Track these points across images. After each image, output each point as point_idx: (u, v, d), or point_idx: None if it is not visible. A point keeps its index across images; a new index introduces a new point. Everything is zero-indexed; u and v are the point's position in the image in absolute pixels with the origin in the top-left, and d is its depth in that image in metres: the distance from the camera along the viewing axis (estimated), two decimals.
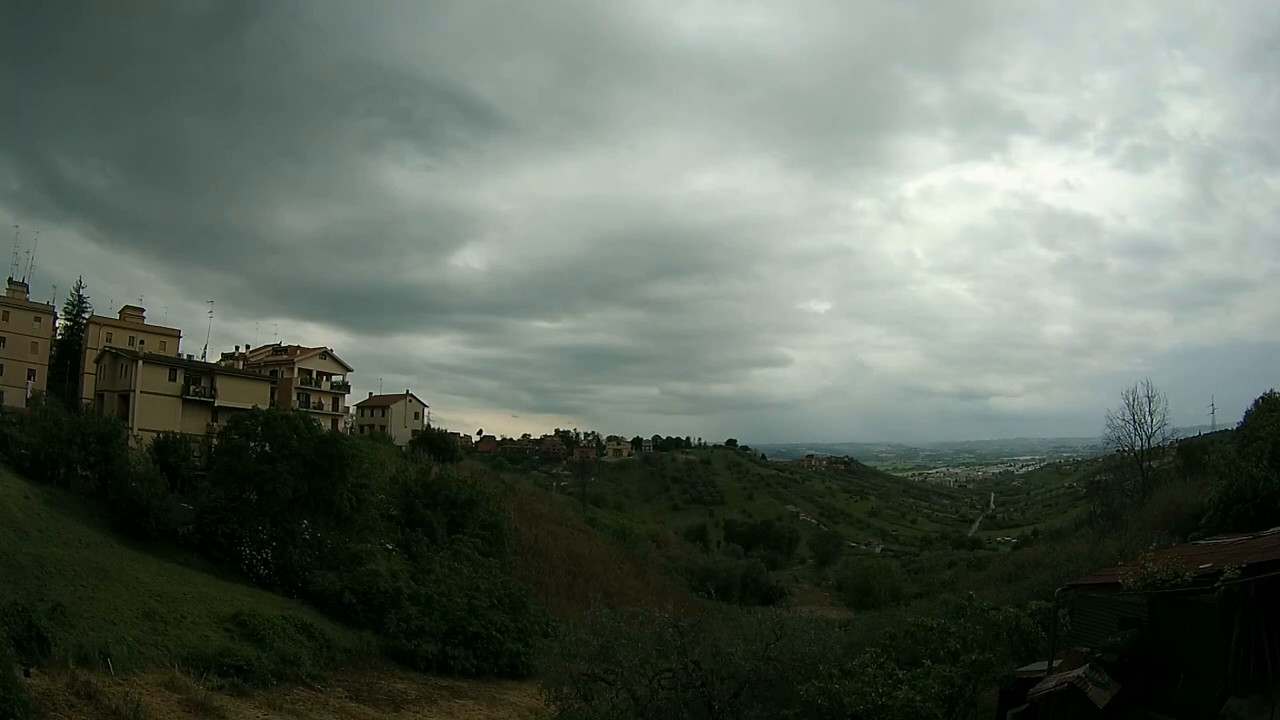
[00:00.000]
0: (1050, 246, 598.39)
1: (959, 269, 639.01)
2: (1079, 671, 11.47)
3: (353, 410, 75.04)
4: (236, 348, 77.21)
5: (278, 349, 71.73)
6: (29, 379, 54.17)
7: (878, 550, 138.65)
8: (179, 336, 63.20)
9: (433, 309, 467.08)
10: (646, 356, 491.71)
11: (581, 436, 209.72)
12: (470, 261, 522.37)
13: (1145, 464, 37.07)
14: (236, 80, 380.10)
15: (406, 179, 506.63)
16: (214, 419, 50.77)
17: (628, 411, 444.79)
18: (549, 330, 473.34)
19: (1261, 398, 31.44)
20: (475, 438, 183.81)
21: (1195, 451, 37.94)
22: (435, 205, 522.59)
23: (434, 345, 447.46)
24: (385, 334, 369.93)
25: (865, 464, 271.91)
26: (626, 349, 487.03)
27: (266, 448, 39.50)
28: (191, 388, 52.86)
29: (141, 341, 58.23)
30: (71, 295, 65.42)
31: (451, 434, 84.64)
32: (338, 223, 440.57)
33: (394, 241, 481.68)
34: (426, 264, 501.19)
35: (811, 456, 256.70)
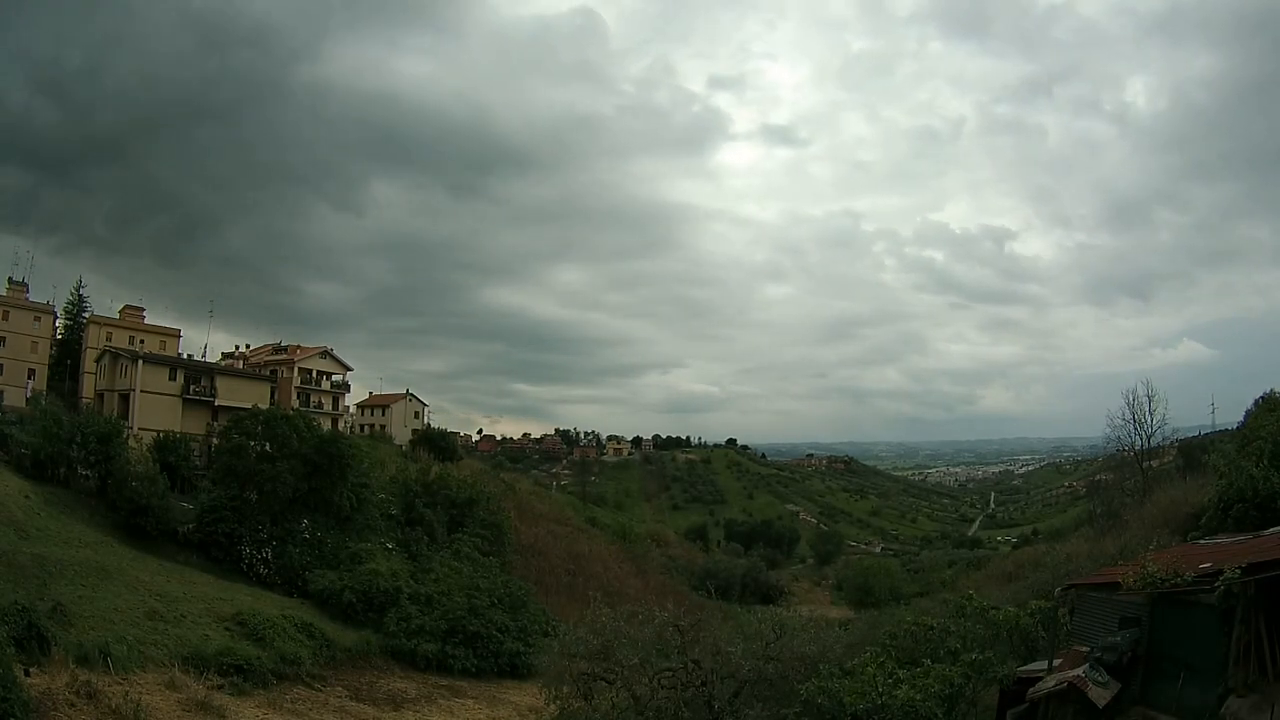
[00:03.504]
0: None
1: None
2: (1079, 671, 11.48)
3: (353, 410, 75.07)
4: (236, 347, 77.44)
5: (277, 348, 71.73)
6: (29, 378, 54.27)
7: (878, 549, 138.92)
8: (179, 336, 63.37)
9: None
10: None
11: (582, 436, 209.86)
12: None
13: (1145, 464, 37.12)
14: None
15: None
16: (214, 418, 50.81)
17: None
18: None
19: (1261, 397, 31.49)
20: (475, 437, 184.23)
21: (1195, 451, 38.11)
22: None
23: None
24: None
25: (865, 463, 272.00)
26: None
27: (267, 447, 39.51)
28: (191, 387, 52.91)
29: (141, 341, 58.31)
30: (71, 295, 65.61)
31: (451, 433, 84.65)
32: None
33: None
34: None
35: (811, 456, 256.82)
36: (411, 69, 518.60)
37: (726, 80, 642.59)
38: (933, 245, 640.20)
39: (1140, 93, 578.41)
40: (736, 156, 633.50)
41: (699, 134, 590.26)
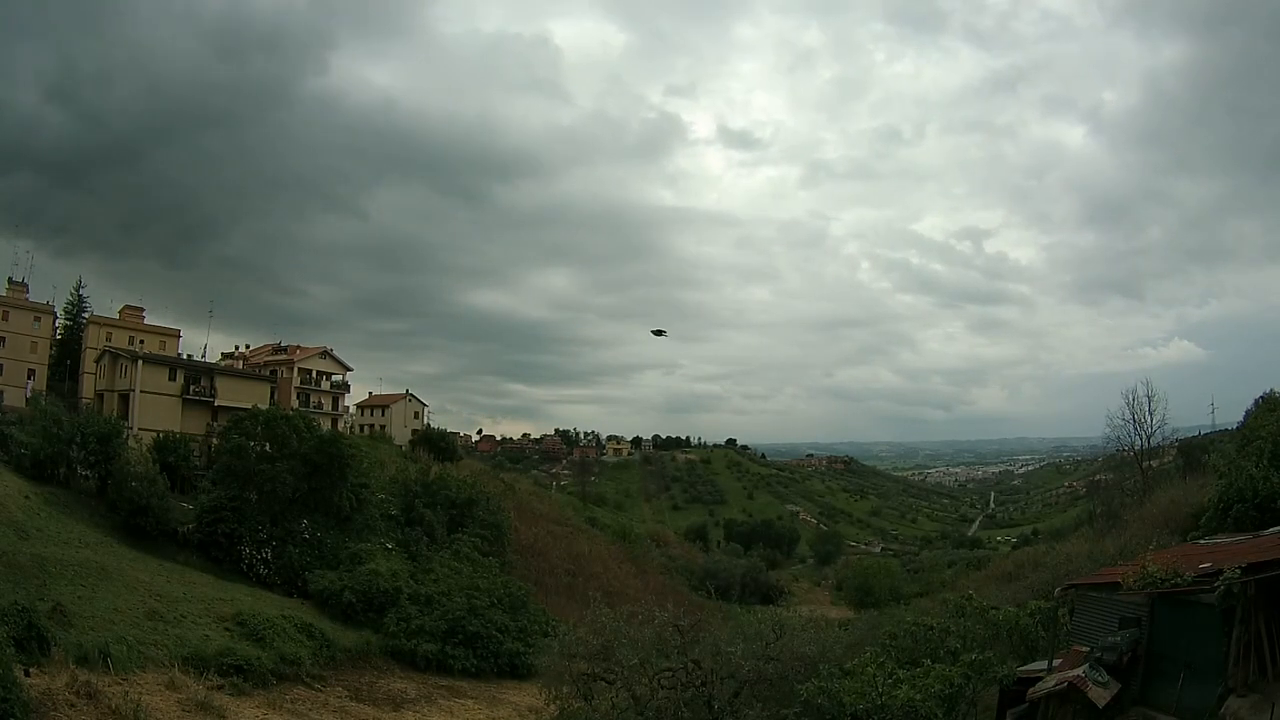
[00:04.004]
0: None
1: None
2: (1079, 671, 11.49)
3: (353, 410, 75.02)
4: (236, 347, 77.27)
5: (277, 348, 71.67)
6: (29, 379, 54.21)
7: (878, 549, 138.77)
8: (179, 336, 63.26)
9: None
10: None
11: (582, 436, 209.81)
12: None
13: (1145, 464, 37.12)
14: None
15: None
16: (214, 419, 50.81)
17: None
18: None
19: (1261, 397, 31.51)
20: (475, 438, 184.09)
21: (1195, 451, 38.09)
22: None
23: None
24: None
25: (865, 463, 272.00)
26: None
27: (267, 447, 39.54)
28: (191, 387, 52.85)
29: (141, 341, 58.26)
30: (71, 295, 65.58)
31: (451, 434, 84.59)
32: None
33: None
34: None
35: (811, 456, 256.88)
36: (392, 80, 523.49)
37: (684, 88, 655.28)
38: (908, 246, 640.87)
39: (1114, 88, 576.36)
40: (705, 161, 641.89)
41: (662, 140, 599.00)
